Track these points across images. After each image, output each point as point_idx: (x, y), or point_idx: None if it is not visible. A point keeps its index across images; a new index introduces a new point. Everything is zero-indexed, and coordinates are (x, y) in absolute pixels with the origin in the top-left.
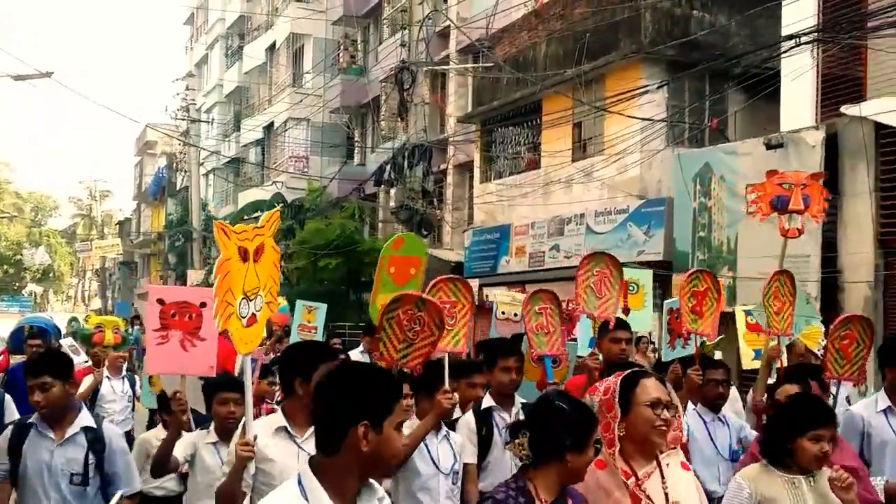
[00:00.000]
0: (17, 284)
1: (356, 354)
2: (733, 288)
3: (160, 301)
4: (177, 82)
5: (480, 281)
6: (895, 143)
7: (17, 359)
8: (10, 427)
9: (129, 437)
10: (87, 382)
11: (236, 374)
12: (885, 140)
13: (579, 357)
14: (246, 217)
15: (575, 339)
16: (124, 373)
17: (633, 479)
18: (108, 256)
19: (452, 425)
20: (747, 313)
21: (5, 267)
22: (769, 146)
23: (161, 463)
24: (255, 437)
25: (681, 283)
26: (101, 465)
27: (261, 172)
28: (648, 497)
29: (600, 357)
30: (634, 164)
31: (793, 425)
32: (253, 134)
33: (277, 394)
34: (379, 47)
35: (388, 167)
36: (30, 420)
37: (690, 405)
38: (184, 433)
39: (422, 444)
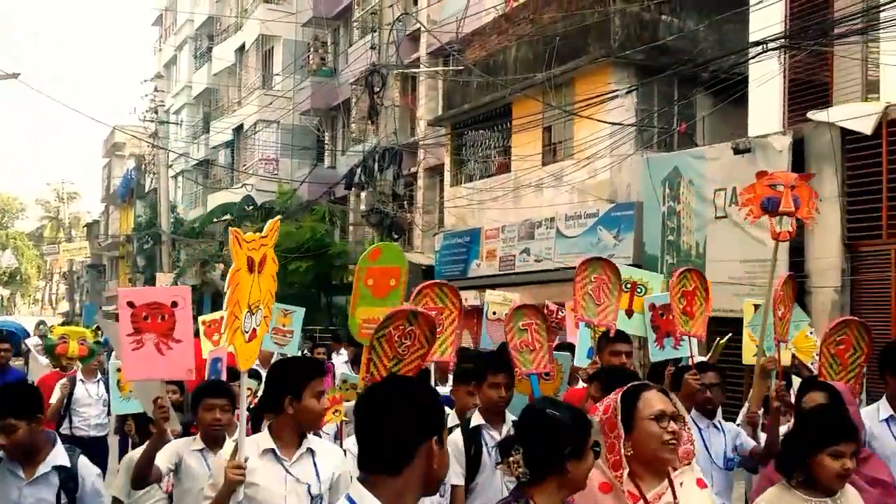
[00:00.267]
0: None
1: (340, 364)
2: None
3: (130, 304)
4: (145, 84)
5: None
6: (861, 148)
7: None
8: None
9: (106, 444)
10: (57, 393)
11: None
12: (850, 145)
13: (578, 368)
14: (215, 220)
15: (568, 347)
16: (99, 376)
17: (641, 502)
18: (76, 259)
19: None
20: (756, 307)
21: None
22: (737, 151)
23: (142, 474)
24: (247, 459)
25: (671, 284)
26: None
27: (230, 175)
28: None
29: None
30: (604, 169)
31: (811, 439)
32: (222, 136)
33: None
34: (349, 49)
35: (358, 170)
36: None
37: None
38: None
39: None
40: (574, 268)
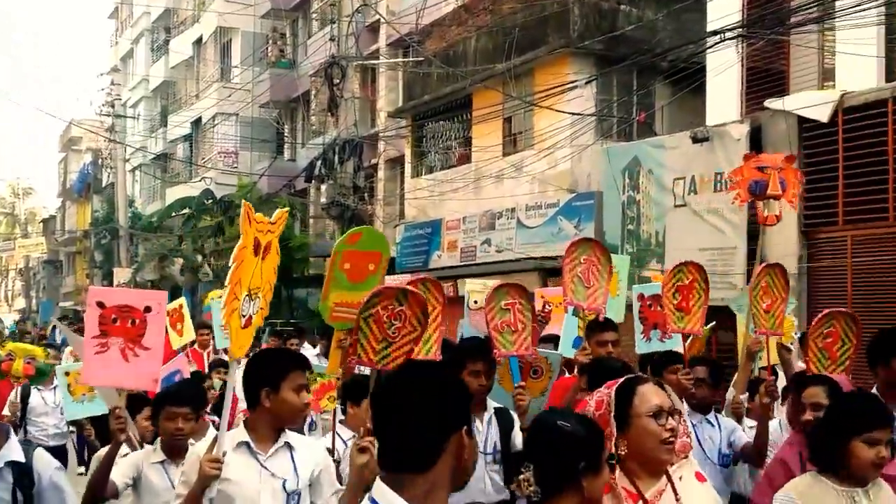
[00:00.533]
0: None
1: (312, 357)
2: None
3: (100, 304)
4: (102, 77)
5: (412, 277)
6: (817, 136)
7: None
8: None
9: (66, 453)
10: (7, 406)
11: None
12: (807, 133)
13: (566, 359)
14: (174, 214)
15: (554, 339)
16: (56, 382)
17: (640, 502)
18: (32, 255)
19: None
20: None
21: None
22: (695, 140)
23: (96, 491)
24: (225, 454)
25: (664, 279)
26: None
27: (189, 168)
28: None
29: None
30: (564, 159)
31: (845, 426)
32: (180, 129)
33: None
34: (308, 41)
35: (318, 163)
36: None
37: None
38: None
39: None
40: (535, 258)
